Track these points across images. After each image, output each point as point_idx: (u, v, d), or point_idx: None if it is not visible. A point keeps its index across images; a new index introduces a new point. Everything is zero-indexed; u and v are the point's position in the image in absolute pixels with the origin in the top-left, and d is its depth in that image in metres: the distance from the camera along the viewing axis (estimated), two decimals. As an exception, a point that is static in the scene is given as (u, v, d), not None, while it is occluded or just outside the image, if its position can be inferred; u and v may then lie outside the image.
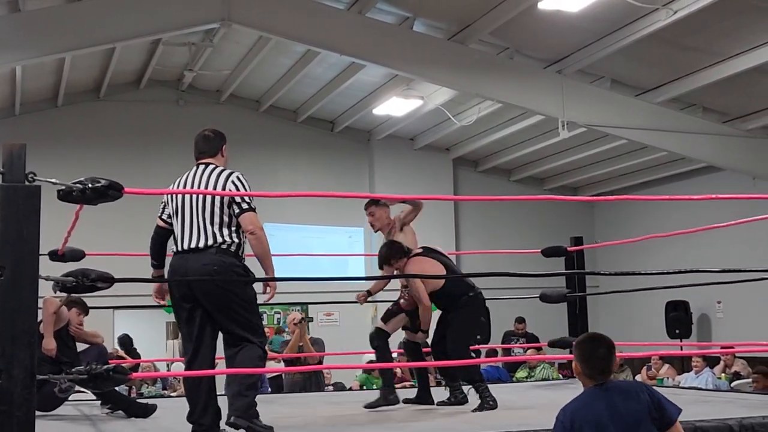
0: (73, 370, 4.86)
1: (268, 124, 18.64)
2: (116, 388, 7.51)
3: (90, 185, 4.61)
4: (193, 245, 5.57)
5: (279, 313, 18.40)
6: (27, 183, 4.40)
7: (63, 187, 4.60)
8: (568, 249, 9.29)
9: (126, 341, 15.27)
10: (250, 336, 5.55)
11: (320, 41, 13.45)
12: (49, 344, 7.14)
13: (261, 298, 5.77)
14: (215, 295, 5.52)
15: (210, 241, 5.53)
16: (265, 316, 18.32)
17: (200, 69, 16.40)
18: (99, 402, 7.84)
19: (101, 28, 12.68)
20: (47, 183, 4.46)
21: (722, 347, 13.60)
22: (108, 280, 5.05)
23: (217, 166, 5.80)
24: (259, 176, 17.16)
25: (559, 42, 13.69)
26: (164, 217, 5.87)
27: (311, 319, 15.90)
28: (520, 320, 16.07)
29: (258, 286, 5.72)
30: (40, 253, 4.46)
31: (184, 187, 5.73)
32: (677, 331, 16.55)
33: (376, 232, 8.01)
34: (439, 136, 18.55)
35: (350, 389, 12.56)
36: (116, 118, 17.68)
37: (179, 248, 5.66)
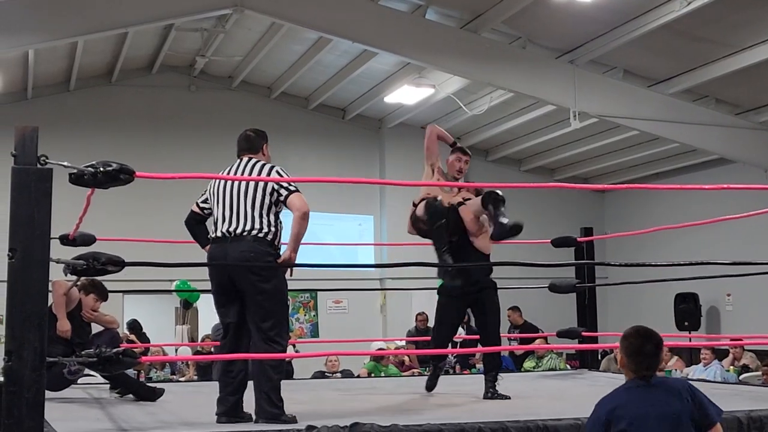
0: (83, 352, 4.89)
1: (279, 111, 18.64)
2: (125, 372, 7.55)
3: (101, 169, 4.63)
4: (231, 229, 5.69)
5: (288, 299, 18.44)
6: (39, 166, 4.41)
7: (75, 171, 4.61)
8: (578, 239, 9.28)
9: (136, 326, 15.31)
10: (268, 330, 5.61)
11: (332, 28, 13.44)
12: (64, 326, 7.19)
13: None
14: (249, 284, 5.62)
15: (248, 226, 5.65)
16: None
17: (212, 55, 16.40)
18: (108, 386, 7.88)
19: (114, 13, 12.70)
20: (59, 166, 4.48)
21: (731, 340, 13.58)
22: (118, 264, 5.07)
23: (259, 160, 5.95)
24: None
25: (572, 32, 13.65)
26: (200, 202, 6.05)
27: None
28: (515, 309, 15.97)
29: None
30: (52, 236, 4.47)
31: (229, 174, 5.86)
32: (686, 323, 16.53)
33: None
34: (450, 125, 18.48)
35: (358, 376, 12.58)
36: (128, 102, 17.70)
37: (218, 233, 5.78)
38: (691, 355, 14.98)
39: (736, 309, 17.06)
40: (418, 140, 19.07)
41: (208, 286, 6.04)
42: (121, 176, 4.69)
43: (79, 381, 8.94)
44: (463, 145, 18.43)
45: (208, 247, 5.95)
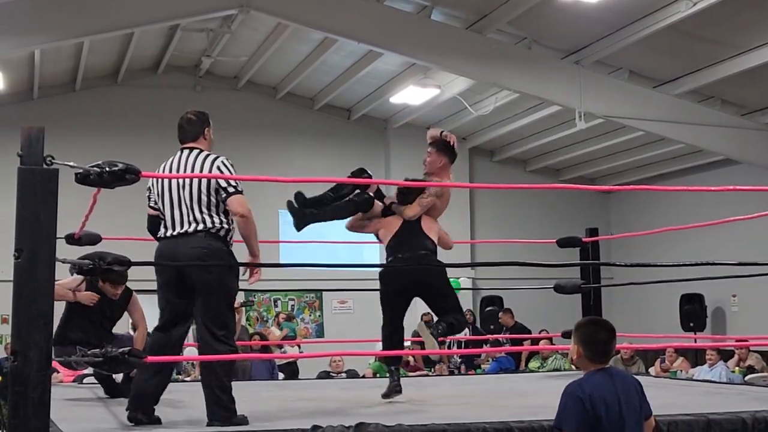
0: (89, 352, 4.89)
1: (285, 111, 18.66)
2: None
3: (107, 168, 4.63)
4: (182, 230, 5.53)
5: (293, 299, 18.45)
6: (45, 166, 4.41)
7: (80, 171, 4.61)
8: (583, 240, 9.26)
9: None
10: (217, 330, 5.48)
11: (338, 29, 13.46)
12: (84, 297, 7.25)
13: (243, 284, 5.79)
14: (204, 281, 5.48)
15: (200, 226, 5.50)
16: (279, 302, 18.38)
17: (218, 55, 16.42)
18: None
19: (120, 13, 12.72)
20: (65, 166, 4.48)
21: (736, 341, 13.56)
22: (124, 264, 5.07)
23: (201, 151, 5.72)
24: (274, 163, 17.23)
25: (578, 32, 13.65)
26: (152, 204, 5.81)
27: (251, 303, 15.77)
28: (507, 311, 15.98)
29: (240, 270, 5.71)
30: (57, 236, 4.48)
31: (170, 172, 5.66)
32: (691, 324, 16.52)
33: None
34: (455, 126, 18.50)
35: (363, 377, 12.58)
36: (134, 103, 17.73)
37: (167, 233, 5.61)
38: (696, 356, 14.96)
39: (741, 310, 17.04)
40: (423, 141, 19.11)
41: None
42: (126, 176, 4.69)
43: (85, 381, 8.97)
44: (467, 145, 18.44)
45: None
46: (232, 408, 5.44)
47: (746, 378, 12.57)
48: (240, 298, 13.28)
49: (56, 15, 12.42)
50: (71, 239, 6.30)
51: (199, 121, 5.89)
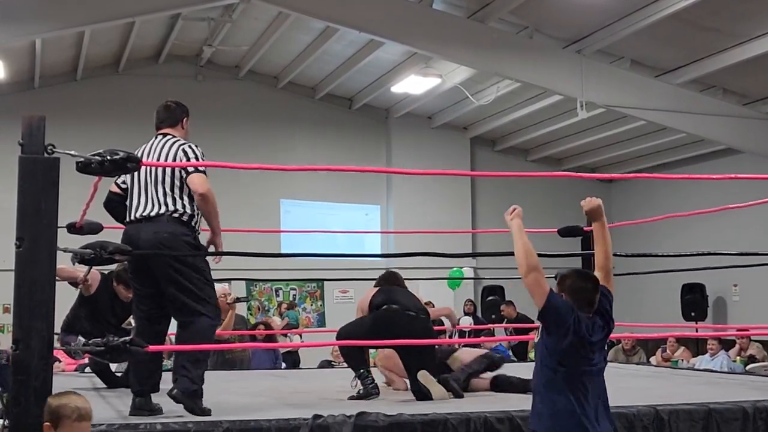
0: (90, 341, 4.89)
1: (286, 101, 18.64)
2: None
3: (108, 157, 4.62)
4: (145, 213, 5.53)
5: (295, 289, 18.46)
6: (46, 155, 4.41)
7: (82, 159, 4.61)
8: (585, 229, 9.25)
9: None
10: (199, 307, 5.52)
11: (339, 18, 13.43)
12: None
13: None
14: (165, 265, 5.49)
15: (162, 210, 5.50)
16: (280, 292, 18.39)
17: (219, 44, 16.40)
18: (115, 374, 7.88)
19: (121, 2, 12.71)
20: (66, 155, 4.48)
21: (737, 330, 13.57)
22: (126, 253, 5.08)
23: (173, 137, 5.76)
24: (276, 152, 17.22)
25: (579, 22, 13.63)
26: (119, 182, 5.82)
27: (246, 300, 15.79)
28: (509, 303, 15.99)
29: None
30: (59, 225, 4.48)
31: (142, 158, 5.68)
32: (693, 314, 16.53)
33: None
34: (457, 115, 18.53)
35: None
36: (135, 92, 17.69)
37: (132, 217, 5.62)
38: (697, 346, 14.97)
39: (742, 299, 17.04)
40: (424, 130, 19.22)
41: (214, 275, 6.02)
42: (128, 165, 4.69)
43: (87, 370, 8.98)
44: (469, 135, 18.35)
45: None
46: (198, 381, 5.50)
47: (747, 367, 12.58)
48: (238, 292, 13.28)
49: (57, 4, 12.40)
50: (72, 228, 6.29)
51: (178, 109, 5.97)
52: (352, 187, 18.44)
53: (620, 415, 5.12)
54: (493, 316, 16.62)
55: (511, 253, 6.60)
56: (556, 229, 9.15)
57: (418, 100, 17.83)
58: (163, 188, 5.52)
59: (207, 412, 5.38)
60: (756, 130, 15.17)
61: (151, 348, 5.15)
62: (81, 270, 7.32)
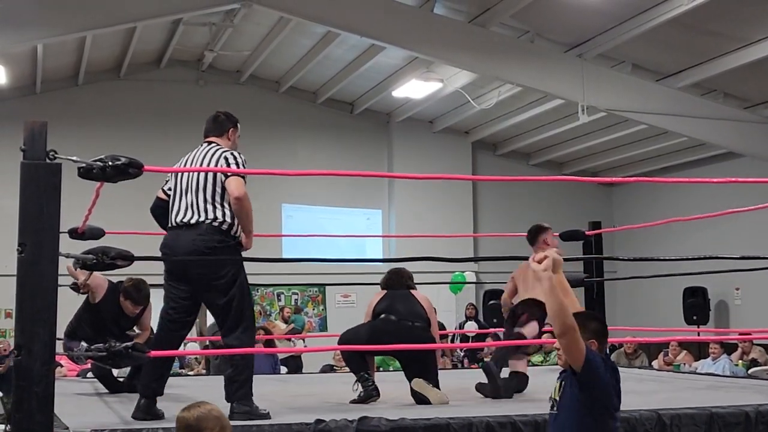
0: (93, 346, 4.90)
1: (288, 106, 18.66)
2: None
3: (110, 163, 4.62)
4: (185, 220, 5.59)
5: (297, 294, 18.46)
6: (48, 161, 4.41)
7: (83, 165, 4.61)
8: (587, 233, 9.26)
9: None
10: (231, 320, 5.57)
11: (340, 23, 13.44)
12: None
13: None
14: (202, 275, 5.55)
15: (201, 217, 5.54)
16: (282, 296, 18.39)
17: (220, 49, 16.41)
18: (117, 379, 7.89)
19: (122, 7, 12.71)
20: (68, 161, 4.48)
21: (740, 334, 13.57)
22: (128, 258, 5.07)
23: (217, 145, 5.82)
24: (278, 157, 17.23)
25: (580, 26, 13.64)
26: (165, 189, 5.92)
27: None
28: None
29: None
30: (61, 230, 4.48)
31: (186, 165, 5.76)
32: (695, 317, 16.52)
33: None
34: (458, 119, 18.53)
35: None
36: (136, 97, 17.74)
37: (172, 223, 5.69)
38: (699, 349, 14.97)
39: (744, 303, 17.03)
40: (426, 134, 19.23)
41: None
42: (129, 170, 4.69)
43: (89, 376, 8.98)
44: (470, 139, 18.42)
45: None
46: (246, 387, 5.53)
47: (750, 371, 12.59)
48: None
49: (59, 9, 12.41)
50: (74, 233, 6.30)
51: (226, 120, 6.04)
52: (354, 191, 18.44)
53: (622, 420, 5.11)
54: (495, 320, 16.62)
55: (512, 257, 6.64)
56: (557, 233, 9.15)
57: (419, 105, 17.84)
58: (204, 195, 5.58)
59: (266, 416, 5.42)
60: (757, 134, 15.17)
61: (153, 353, 5.16)
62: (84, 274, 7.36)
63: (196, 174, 5.62)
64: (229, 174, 5.55)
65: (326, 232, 16.75)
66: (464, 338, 16.00)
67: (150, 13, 13.05)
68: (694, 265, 8.25)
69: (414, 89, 16.74)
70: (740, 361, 13.38)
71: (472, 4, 13.68)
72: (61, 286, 4.48)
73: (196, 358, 13.93)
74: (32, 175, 4.40)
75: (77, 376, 10.56)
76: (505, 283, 7.85)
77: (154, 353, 5.20)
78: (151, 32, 15.87)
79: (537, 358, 14.12)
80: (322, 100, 18.59)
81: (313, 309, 18.67)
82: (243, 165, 5.65)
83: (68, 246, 4.95)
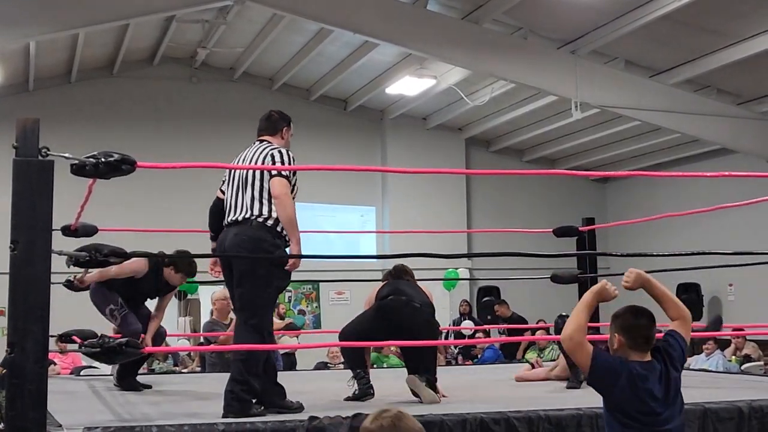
0: (86, 342, 4.89)
1: (281, 103, 18.56)
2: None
3: (103, 159, 4.62)
4: (234, 217, 5.69)
5: (290, 291, 18.44)
6: (40, 158, 4.41)
7: (76, 162, 4.61)
8: (580, 229, 9.26)
9: None
10: (247, 318, 5.62)
11: (333, 19, 13.42)
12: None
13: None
14: (240, 268, 5.64)
15: (248, 214, 5.63)
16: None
17: (214, 46, 16.39)
18: (111, 376, 7.89)
19: (115, 4, 12.68)
20: (60, 158, 4.47)
21: (733, 330, 13.59)
22: (121, 255, 5.08)
23: (268, 143, 5.93)
24: (271, 154, 17.18)
25: (574, 22, 13.63)
26: (222, 188, 6.01)
27: None
28: (502, 302, 16.04)
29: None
30: (53, 228, 4.47)
31: (238, 163, 5.87)
32: (688, 314, 16.52)
33: None
34: (451, 116, 18.53)
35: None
36: (129, 94, 17.70)
37: (225, 221, 5.80)
38: (693, 346, 14.97)
39: (738, 299, 17.06)
40: (419, 131, 19.23)
41: (207, 277, 6.08)
42: (122, 167, 4.69)
43: (82, 373, 8.98)
44: (464, 135, 18.44)
45: (213, 245, 5.97)
46: (246, 399, 5.50)
47: (743, 367, 12.61)
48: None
49: (51, 6, 12.38)
50: (67, 231, 6.29)
51: (279, 119, 6.15)
52: (348, 188, 18.43)
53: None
54: (489, 317, 16.64)
55: (507, 254, 6.65)
56: (551, 229, 9.17)
57: (412, 102, 17.83)
58: (252, 193, 5.66)
59: (262, 413, 5.49)
60: (750, 130, 15.20)
61: (148, 349, 5.15)
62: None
63: (245, 173, 5.70)
64: (274, 173, 5.62)
65: (320, 229, 16.75)
66: (458, 335, 16.00)
67: (143, 10, 13.02)
68: (688, 261, 8.26)
69: (407, 86, 16.72)
70: (733, 357, 13.40)
71: (465, 0, 13.67)
72: (53, 283, 4.47)
73: (189, 355, 13.92)
74: (25, 172, 4.39)
75: (70, 373, 10.57)
76: (499, 279, 7.85)
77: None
78: (144, 29, 15.84)
79: (531, 354, 14.14)
80: (316, 97, 18.57)
81: (307, 306, 18.66)
82: (290, 162, 5.73)
83: (61, 243, 4.94)
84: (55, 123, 14.69)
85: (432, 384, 6.49)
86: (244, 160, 5.85)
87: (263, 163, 5.69)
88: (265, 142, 5.94)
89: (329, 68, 17.14)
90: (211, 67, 18.15)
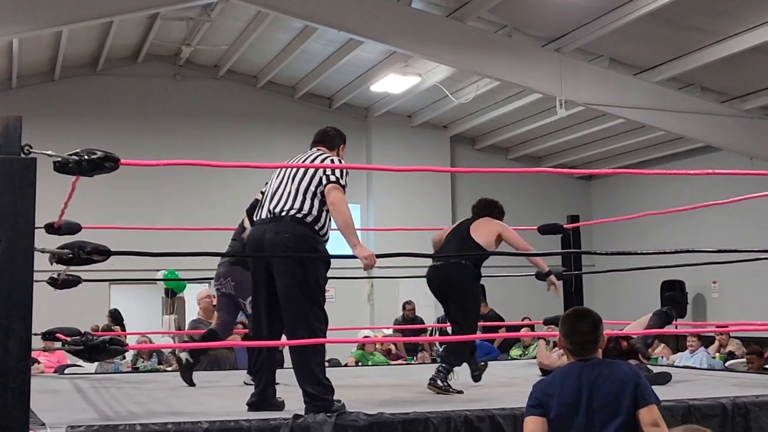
0: (70, 340, 4.87)
1: (266, 100, 18.61)
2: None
3: (86, 157, 4.60)
4: (273, 208, 5.63)
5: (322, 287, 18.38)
6: (23, 155, 4.38)
7: (59, 159, 4.59)
8: (565, 227, 9.28)
9: (117, 316, 15.20)
10: (297, 319, 5.57)
11: (318, 17, 13.40)
12: None
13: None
14: (283, 265, 5.54)
15: (288, 206, 5.58)
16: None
17: (198, 44, 16.35)
18: (96, 376, 7.84)
19: (99, 2, 12.63)
20: (43, 156, 4.45)
21: (717, 327, 13.64)
22: (104, 253, 5.04)
23: (325, 152, 5.97)
24: (256, 152, 17.16)
25: (558, 20, 13.65)
26: (262, 190, 6.07)
27: None
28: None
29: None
30: (36, 226, 4.45)
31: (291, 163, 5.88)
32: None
33: None
34: (436, 114, 18.53)
35: (345, 365, 12.59)
36: (113, 92, 17.65)
37: (259, 216, 5.76)
38: (677, 343, 15.04)
39: (722, 296, 17.13)
40: (404, 129, 19.22)
41: (195, 275, 6.05)
42: (106, 164, 4.66)
43: (66, 372, 8.93)
44: (449, 133, 18.39)
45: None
46: (326, 399, 5.45)
47: (727, 364, 12.65)
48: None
49: (34, 4, 12.31)
50: (51, 229, 6.26)
51: (337, 136, 6.28)
52: (332, 186, 18.41)
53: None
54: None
55: (491, 252, 6.64)
56: (536, 227, 9.18)
57: (397, 99, 17.83)
58: (298, 188, 5.63)
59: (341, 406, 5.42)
60: (734, 128, 15.24)
61: (132, 347, 5.13)
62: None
63: (295, 172, 5.71)
64: (328, 176, 5.61)
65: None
66: (443, 332, 15.99)
67: (127, 7, 12.96)
68: (672, 259, 8.27)
69: (392, 84, 16.73)
70: (718, 354, 13.45)
71: (450, -2, 13.69)
72: (36, 281, 4.45)
73: (174, 353, 13.87)
74: (7, 170, 4.37)
75: (54, 372, 10.52)
76: (484, 276, 7.83)
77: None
78: (128, 27, 15.80)
79: (516, 351, 14.15)
80: (300, 94, 18.55)
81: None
82: (341, 173, 5.68)
83: (44, 241, 4.92)
84: (39, 121, 14.65)
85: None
86: (297, 160, 5.89)
87: (317, 168, 5.69)
88: (322, 150, 5.99)
89: (314, 66, 17.12)
90: (195, 65, 18.11)
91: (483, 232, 7.36)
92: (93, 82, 17.61)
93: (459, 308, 7.23)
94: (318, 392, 5.43)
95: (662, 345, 13.94)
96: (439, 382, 6.78)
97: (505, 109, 17.15)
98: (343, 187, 5.66)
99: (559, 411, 3.93)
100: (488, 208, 7.68)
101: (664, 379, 7.26)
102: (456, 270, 7.12)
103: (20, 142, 4.39)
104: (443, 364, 6.94)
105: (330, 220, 5.70)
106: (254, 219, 5.84)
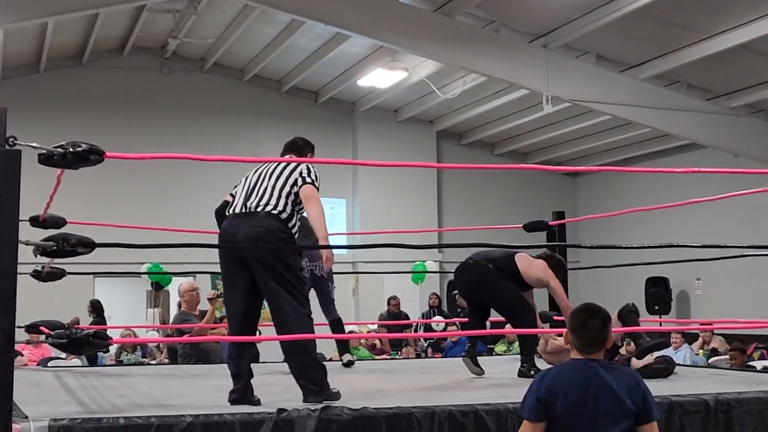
0: (53, 333, 4.86)
1: (252, 94, 18.58)
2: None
3: (71, 149, 4.58)
4: (247, 203, 5.70)
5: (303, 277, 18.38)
6: (7, 147, 4.37)
7: (44, 151, 4.57)
8: (550, 223, 9.28)
9: (97, 306, 15.12)
10: (293, 301, 5.64)
11: (305, 11, 13.38)
12: None
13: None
14: (262, 259, 5.59)
15: (263, 202, 5.66)
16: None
17: (184, 37, 16.31)
18: (80, 369, 7.82)
19: (85, -7, 12.59)
20: (28, 148, 4.43)
21: (701, 324, 13.69)
22: (88, 245, 5.02)
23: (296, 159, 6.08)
24: (241, 146, 17.13)
25: (545, 16, 13.67)
26: (232, 192, 6.03)
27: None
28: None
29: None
30: (21, 218, 4.43)
31: (262, 169, 5.93)
32: (656, 307, 16.64)
33: None
34: (423, 109, 18.54)
35: (330, 360, 12.57)
36: (99, 84, 17.59)
37: (232, 211, 5.79)
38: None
39: (705, 293, 17.19)
40: (390, 124, 19.22)
41: (179, 269, 6.03)
42: (91, 157, 4.64)
43: (50, 365, 8.90)
44: (435, 128, 18.40)
45: None
46: (322, 385, 5.63)
47: (710, 360, 12.70)
48: (203, 286, 13.24)
49: (20, -6, 12.28)
50: (36, 221, 6.24)
51: (305, 146, 6.61)
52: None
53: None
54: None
55: (476, 245, 6.66)
56: (521, 224, 9.18)
57: (384, 94, 17.82)
58: (273, 186, 5.74)
59: (337, 395, 5.59)
60: (719, 126, 15.29)
61: (115, 340, 5.12)
62: None
63: (272, 169, 5.84)
64: (304, 177, 5.76)
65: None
66: (428, 328, 16.01)
67: (113, -1, 12.94)
68: (656, 255, 8.29)
69: (379, 78, 16.73)
70: (701, 351, 13.50)
71: (437, -7, 13.68)
72: (20, 274, 4.43)
73: (158, 347, 13.85)
74: (-9, 162, 4.35)
75: (37, 365, 10.48)
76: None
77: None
78: (114, 19, 15.74)
79: (501, 347, 14.17)
80: (287, 88, 18.53)
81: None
82: (316, 179, 5.84)
83: (29, 233, 4.90)
84: (24, 112, 14.54)
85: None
86: (267, 169, 5.89)
87: (294, 170, 5.80)
88: (293, 157, 6.16)
89: (300, 60, 17.10)
90: (181, 58, 18.07)
91: (532, 267, 7.58)
92: (79, 74, 17.55)
93: (499, 305, 7.60)
94: (319, 377, 5.64)
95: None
96: (531, 372, 7.18)
97: (492, 104, 17.17)
98: (317, 188, 5.81)
99: (564, 410, 3.84)
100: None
101: (668, 371, 7.45)
102: (477, 270, 7.49)
103: (5, 134, 4.37)
104: (523, 364, 7.41)
105: (299, 220, 5.80)
106: (227, 214, 5.85)
